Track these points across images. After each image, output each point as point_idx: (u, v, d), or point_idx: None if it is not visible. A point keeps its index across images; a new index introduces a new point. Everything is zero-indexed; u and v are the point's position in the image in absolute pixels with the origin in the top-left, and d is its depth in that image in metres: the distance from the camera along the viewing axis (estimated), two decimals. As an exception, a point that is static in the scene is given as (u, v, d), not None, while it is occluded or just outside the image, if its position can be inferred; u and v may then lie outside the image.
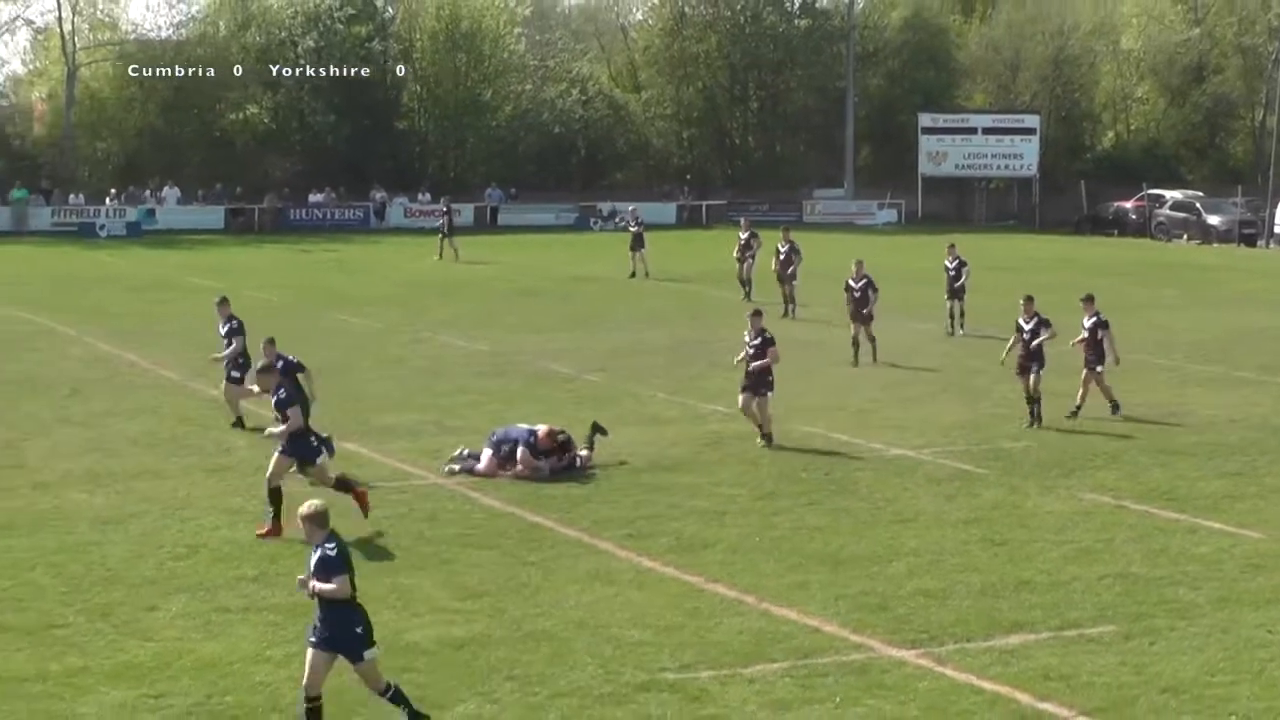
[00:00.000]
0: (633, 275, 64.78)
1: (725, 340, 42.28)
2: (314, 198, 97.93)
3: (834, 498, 27.02)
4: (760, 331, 31.47)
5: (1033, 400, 33.54)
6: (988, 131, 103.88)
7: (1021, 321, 34.27)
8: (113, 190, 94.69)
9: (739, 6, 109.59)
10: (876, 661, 18.80)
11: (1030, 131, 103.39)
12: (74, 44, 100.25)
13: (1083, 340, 35.06)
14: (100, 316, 51.73)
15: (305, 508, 16.40)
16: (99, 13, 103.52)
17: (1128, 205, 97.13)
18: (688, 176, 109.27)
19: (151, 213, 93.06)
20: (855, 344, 41.83)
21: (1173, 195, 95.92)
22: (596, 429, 29.79)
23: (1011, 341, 34.62)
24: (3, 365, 41.39)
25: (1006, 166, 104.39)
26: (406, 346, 45.07)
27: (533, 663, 18.72)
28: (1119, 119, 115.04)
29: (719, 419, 33.53)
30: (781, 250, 54.44)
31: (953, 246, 50.19)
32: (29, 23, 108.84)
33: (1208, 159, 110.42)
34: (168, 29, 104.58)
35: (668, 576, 22.41)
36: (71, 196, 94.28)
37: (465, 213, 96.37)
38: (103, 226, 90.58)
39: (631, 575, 22.49)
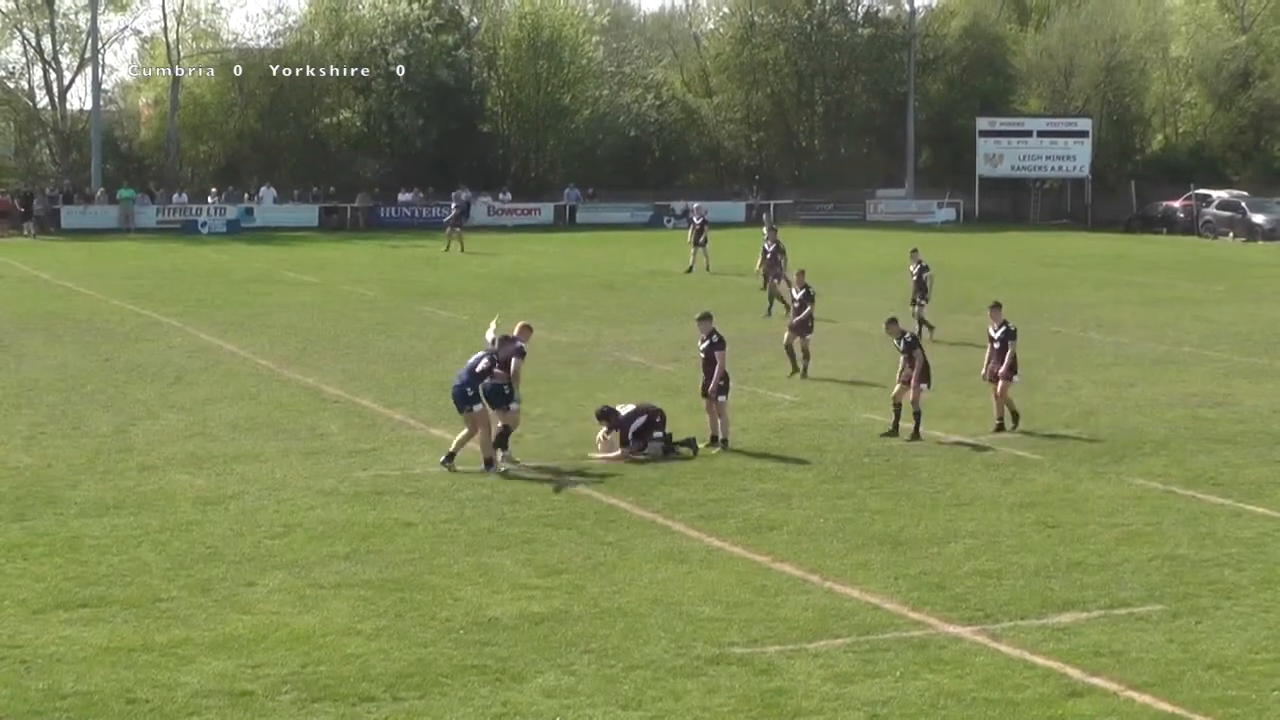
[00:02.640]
0: (690, 270, 64.77)
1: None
2: (403, 197, 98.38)
3: (895, 482, 26.96)
4: (710, 334, 29.91)
5: (1003, 406, 31.42)
6: (1042, 134, 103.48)
7: (991, 330, 32.12)
8: (214, 190, 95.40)
9: (805, 16, 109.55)
10: (935, 638, 18.74)
11: (1083, 134, 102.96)
12: (178, 52, 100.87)
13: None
14: (202, 308, 52.02)
15: None
16: (202, 23, 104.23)
17: (1176, 205, 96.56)
18: (756, 177, 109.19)
19: (250, 211, 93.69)
20: (789, 352, 38.13)
21: (1219, 195, 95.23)
22: (689, 444, 29.09)
23: (989, 352, 32.08)
24: (113, 354, 41.67)
25: (1060, 168, 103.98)
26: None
27: (609, 637, 18.73)
28: (1168, 122, 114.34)
29: (786, 406, 33.48)
30: (768, 249, 53.50)
31: (915, 251, 47.60)
32: (136, 33, 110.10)
33: (1253, 161, 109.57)
34: (266, 38, 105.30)
35: (737, 556, 22.40)
36: (175, 196, 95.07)
37: (545, 211, 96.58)
38: (204, 224, 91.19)
39: (702, 554, 22.49)
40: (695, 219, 66.42)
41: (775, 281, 51.46)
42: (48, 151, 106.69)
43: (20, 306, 52.43)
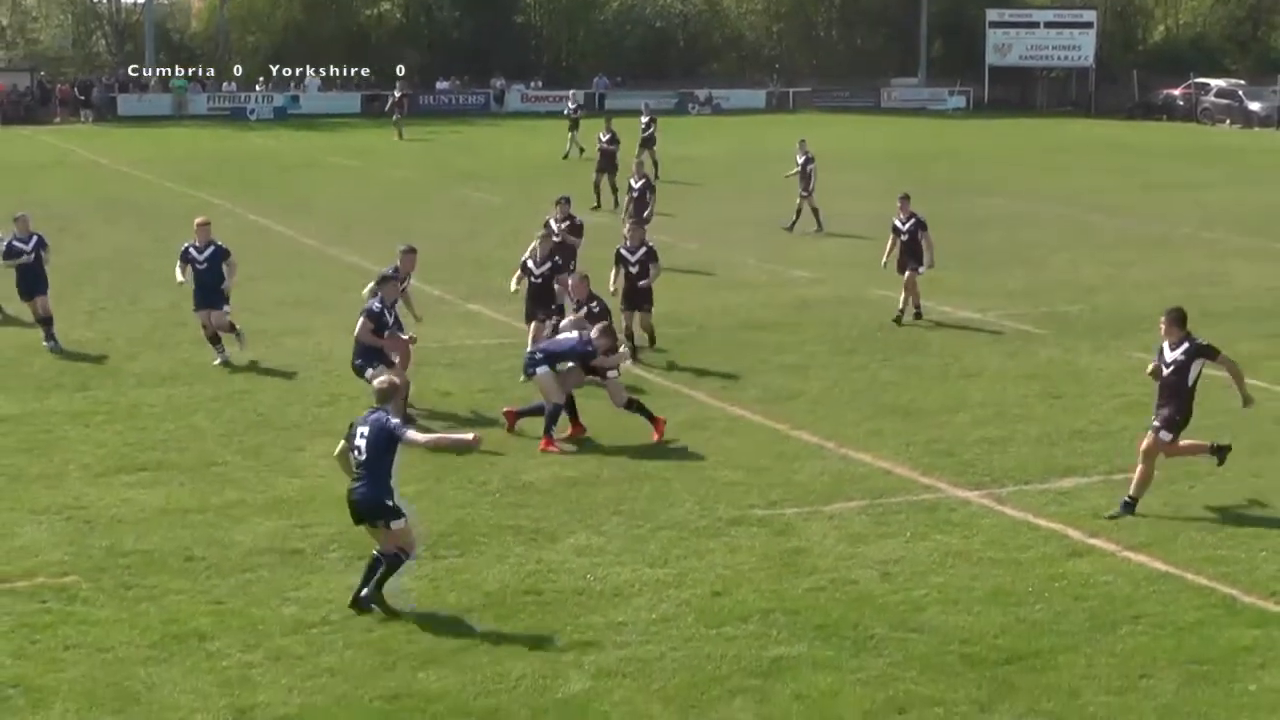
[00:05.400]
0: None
1: (808, 213, 42.14)
2: (440, 85, 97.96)
3: (906, 355, 26.96)
4: (641, 243, 26.80)
5: (910, 295, 29.75)
6: (1049, 25, 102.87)
7: (897, 222, 29.93)
8: (261, 78, 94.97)
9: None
10: (944, 501, 18.80)
11: (1088, 25, 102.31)
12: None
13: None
14: (251, 191, 51.95)
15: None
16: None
17: (1176, 93, 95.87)
18: (776, 66, 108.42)
19: (296, 99, 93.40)
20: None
21: (1217, 84, 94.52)
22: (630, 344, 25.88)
23: (890, 243, 30.15)
24: (168, 235, 41.63)
25: (1066, 58, 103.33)
26: (524, 219, 45.04)
27: (636, 499, 18.82)
28: (1169, 14, 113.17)
29: (804, 284, 33.46)
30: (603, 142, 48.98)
31: (803, 141, 43.89)
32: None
33: (1250, 51, 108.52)
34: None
35: (756, 424, 22.45)
36: (225, 84, 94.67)
37: (576, 98, 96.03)
38: (253, 111, 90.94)
39: (724, 423, 22.55)
40: (644, 117, 56.88)
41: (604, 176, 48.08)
42: (104, 42, 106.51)
43: (80, 190, 52.42)
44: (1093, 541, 17.30)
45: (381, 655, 14.22)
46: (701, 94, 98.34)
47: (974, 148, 70.91)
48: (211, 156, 66.08)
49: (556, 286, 25.13)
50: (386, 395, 15.85)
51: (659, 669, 13.94)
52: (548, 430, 21.16)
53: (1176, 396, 18.29)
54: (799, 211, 42.58)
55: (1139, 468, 18.29)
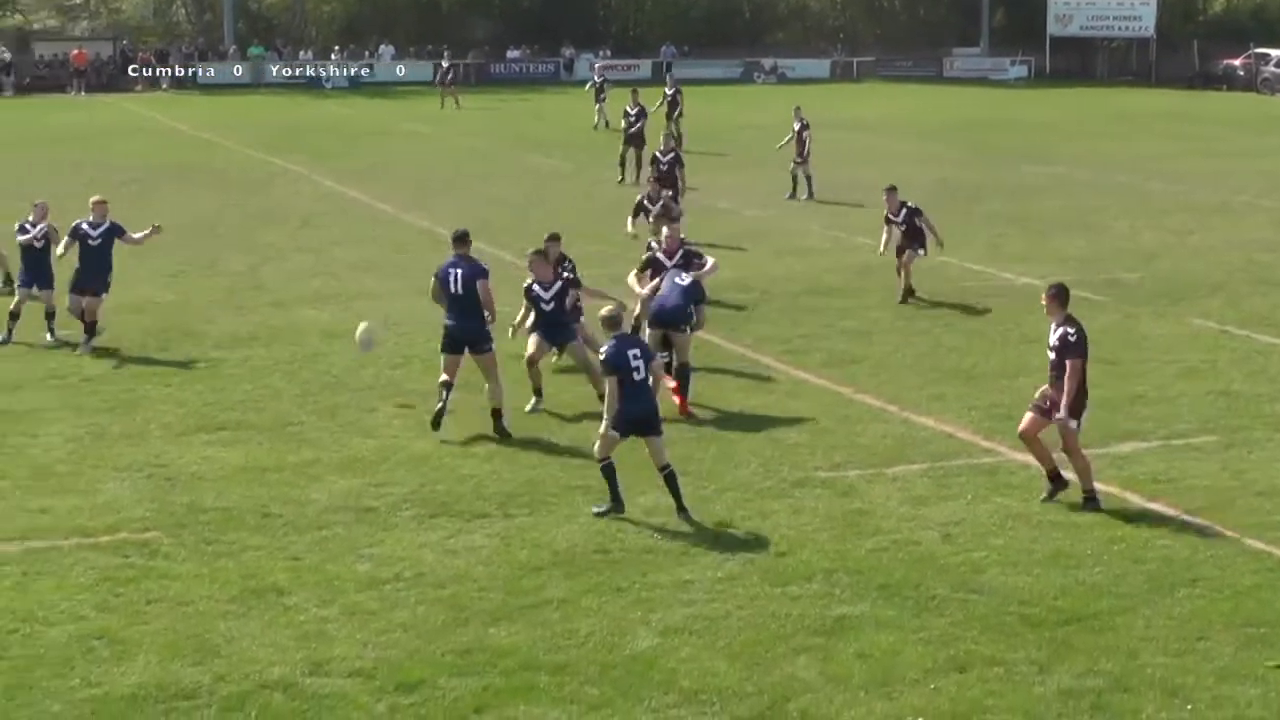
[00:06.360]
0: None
1: (872, 182, 42.01)
2: (511, 54, 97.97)
3: (967, 320, 26.87)
4: (561, 260, 22.75)
5: (904, 276, 28.48)
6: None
7: (889, 215, 28.74)
8: (336, 47, 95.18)
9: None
10: (1004, 464, 18.74)
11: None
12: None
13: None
14: (326, 157, 52.11)
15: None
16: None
17: (1236, 63, 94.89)
18: (840, 36, 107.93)
19: (370, 67, 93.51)
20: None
21: (1277, 54, 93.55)
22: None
23: (885, 234, 29.03)
24: (246, 200, 41.90)
25: (1126, 27, 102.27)
26: (592, 185, 45.09)
27: (703, 460, 18.83)
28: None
29: (867, 250, 33.31)
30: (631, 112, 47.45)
31: (798, 109, 43.75)
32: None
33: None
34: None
35: (820, 387, 22.43)
36: (301, 53, 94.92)
37: (643, 67, 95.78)
38: (327, 79, 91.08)
39: (789, 386, 22.53)
40: (669, 89, 55.08)
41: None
42: (183, 12, 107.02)
43: (160, 156, 52.68)
44: (1151, 505, 17.21)
45: (453, 611, 14.30)
46: (767, 63, 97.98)
47: (1035, 116, 70.43)
48: (287, 124, 66.29)
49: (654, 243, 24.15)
50: (616, 323, 17.35)
51: (724, 627, 13.97)
52: (687, 390, 21.17)
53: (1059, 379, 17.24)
54: (795, 179, 42.27)
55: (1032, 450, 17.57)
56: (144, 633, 13.82)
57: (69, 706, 12.51)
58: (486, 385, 20.10)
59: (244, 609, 14.35)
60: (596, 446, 17.16)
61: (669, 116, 52.23)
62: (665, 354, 20.94)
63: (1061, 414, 16.92)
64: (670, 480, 16.85)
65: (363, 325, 22.37)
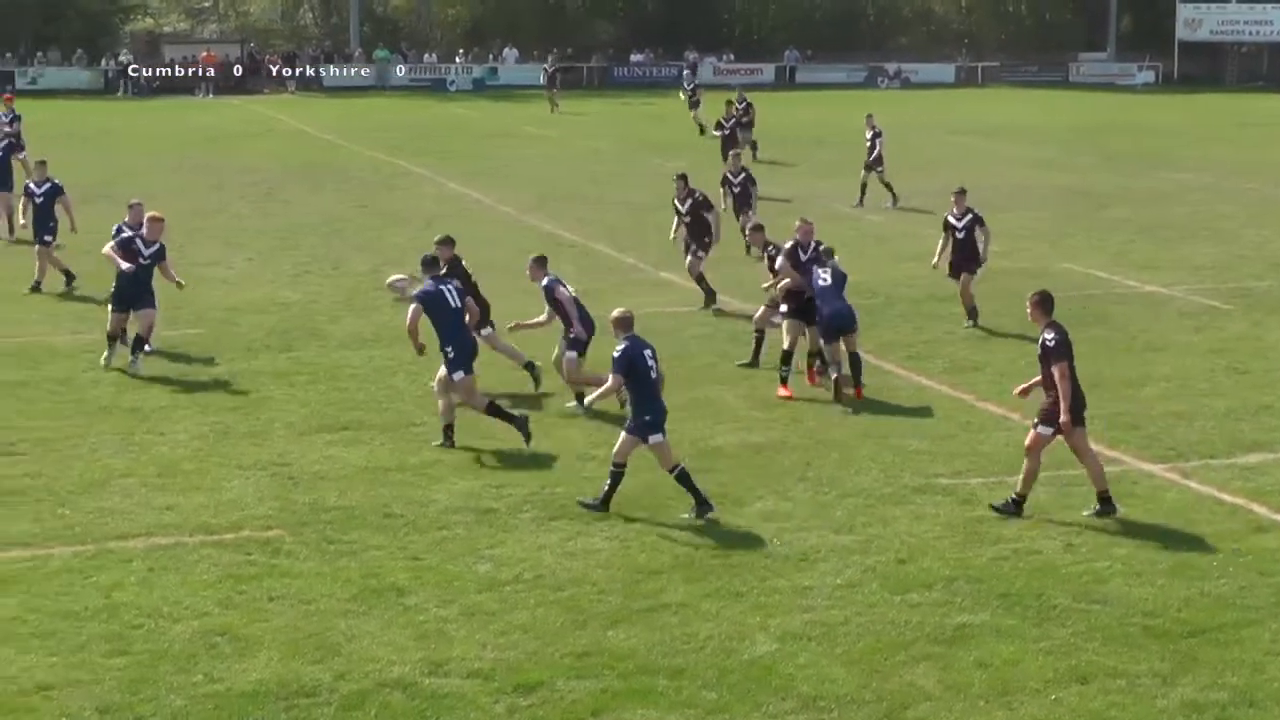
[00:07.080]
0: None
1: (996, 187, 41.70)
2: (635, 57, 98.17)
3: (1091, 328, 26.55)
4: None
5: (965, 299, 26.97)
6: (1241, 0, 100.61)
7: (951, 218, 27.14)
8: (460, 50, 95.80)
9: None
10: (1128, 474, 18.54)
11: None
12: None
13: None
14: (449, 160, 52.42)
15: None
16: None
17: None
18: (965, 41, 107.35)
19: (494, 70, 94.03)
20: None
21: None
22: None
23: (942, 241, 27.35)
24: (370, 202, 42.21)
25: (1257, 32, 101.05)
26: (713, 188, 44.99)
27: (823, 466, 18.77)
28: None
29: (991, 256, 33.06)
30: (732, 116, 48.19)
31: (870, 116, 42.65)
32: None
33: None
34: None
35: (942, 394, 22.30)
36: (426, 56, 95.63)
37: (767, 71, 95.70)
38: (452, 82, 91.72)
39: (911, 392, 22.42)
40: (738, 103, 52.22)
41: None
42: (310, 15, 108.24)
43: (286, 157, 53.20)
44: (1278, 517, 16.96)
45: (572, 613, 14.32)
46: (890, 68, 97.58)
47: (1163, 122, 69.67)
48: (412, 126, 66.75)
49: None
50: (628, 323, 17.40)
51: (843, 633, 13.91)
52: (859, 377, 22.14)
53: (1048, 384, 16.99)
54: (864, 187, 41.56)
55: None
56: (265, 630, 13.95)
57: (191, 702, 12.65)
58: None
59: (364, 608, 14.45)
60: (615, 450, 17.27)
61: (740, 126, 50.52)
62: (835, 366, 22.00)
63: (1065, 419, 16.74)
64: (683, 479, 16.94)
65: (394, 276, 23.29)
